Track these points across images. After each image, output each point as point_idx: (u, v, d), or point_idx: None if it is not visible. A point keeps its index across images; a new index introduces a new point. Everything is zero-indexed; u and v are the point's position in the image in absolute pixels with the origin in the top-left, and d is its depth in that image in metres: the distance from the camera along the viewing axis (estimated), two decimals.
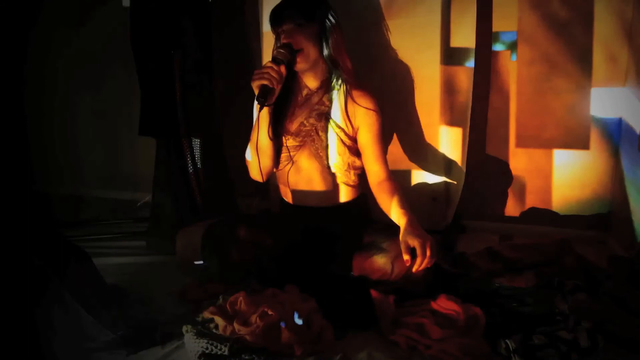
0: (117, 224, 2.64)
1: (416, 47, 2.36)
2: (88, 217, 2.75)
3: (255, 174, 1.94)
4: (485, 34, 2.35)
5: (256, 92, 1.74)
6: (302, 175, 1.93)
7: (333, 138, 1.88)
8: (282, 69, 1.76)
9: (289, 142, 1.92)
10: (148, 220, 2.40)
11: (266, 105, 1.79)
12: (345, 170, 1.91)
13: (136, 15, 2.27)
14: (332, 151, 1.89)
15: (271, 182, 2.41)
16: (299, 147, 1.91)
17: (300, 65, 1.84)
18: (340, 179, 1.92)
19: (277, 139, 1.92)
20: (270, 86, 1.74)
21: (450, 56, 2.33)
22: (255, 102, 1.82)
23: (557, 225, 2.40)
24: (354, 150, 1.92)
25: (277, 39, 1.88)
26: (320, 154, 1.89)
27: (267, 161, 1.92)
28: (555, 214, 2.41)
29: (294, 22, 1.81)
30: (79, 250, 1.59)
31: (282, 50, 1.79)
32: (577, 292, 1.64)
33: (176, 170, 2.24)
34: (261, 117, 1.84)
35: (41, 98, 2.92)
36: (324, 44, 1.85)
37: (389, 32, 2.37)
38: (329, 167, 1.90)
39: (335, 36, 1.86)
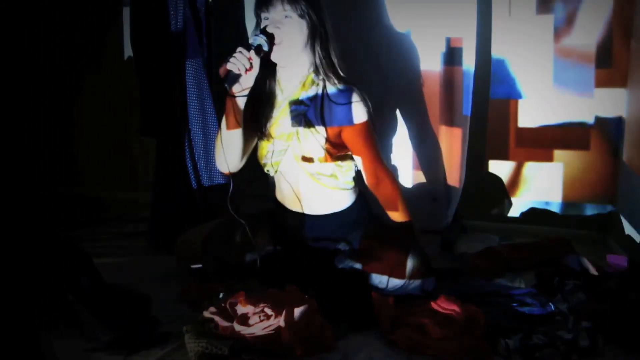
0: (117, 224, 2.64)
1: (417, 47, 2.37)
2: (88, 217, 2.75)
3: (219, 164, 1.86)
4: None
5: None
6: (290, 181, 1.82)
7: (314, 142, 1.75)
8: (253, 54, 1.63)
9: (275, 146, 1.79)
10: (148, 220, 2.40)
11: (232, 96, 1.68)
12: (331, 175, 1.79)
13: (136, 16, 2.27)
14: (315, 156, 1.76)
15: (270, 182, 2.40)
16: (284, 151, 1.79)
17: (279, 59, 1.72)
18: (329, 185, 1.80)
19: (251, 137, 1.82)
20: (236, 72, 1.62)
21: (451, 56, 2.33)
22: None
23: (557, 225, 2.40)
24: (341, 154, 1.79)
25: (257, 25, 1.76)
26: (304, 159, 1.77)
27: (231, 155, 1.79)
28: (555, 214, 2.41)
29: (283, 10, 1.68)
30: (79, 250, 1.59)
31: (257, 37, 1.67)
32: (577, 292, 1.64)
33: (176, 170, 2.24)
34: (226, 107, 1.73)
35: (40, 98, 2.93)
36: (310, 44, 1.73)
37: (388, 32, 2.37)
38: (315, 175, 1.79)
39: (324, 38, 1.74)
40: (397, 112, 2.44)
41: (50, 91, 3.03)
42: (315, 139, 1.75)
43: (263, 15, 1.72)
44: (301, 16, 1.70)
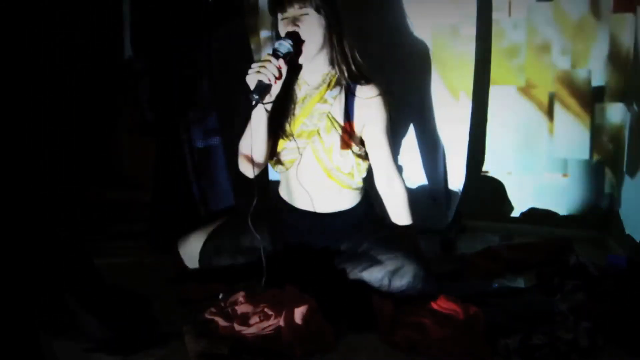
0: (117, 224, 2.64)
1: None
2: (88, 217, 2.75)
3: (245, 169, 1.83)
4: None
5: (251, 87, 1.60)
6: (305, 179, 1.80)
7: (337, 140, 1.75)
8: (282, 63, 1.62)
9: (291, 144, 1.79)
10: (148, 220, 2.40)
11: (261, 103, 1.65)
12: (349, 173, 1.78)
13: (136, 16, 2.28)
14: (336, 154, 1.75)
15: (271, 180, 2.41)
16: (302, 149, 1.77)
17: (305, 59, 1.71)
18: (344, 183, 1.79)
19: (275, 139, 1.81)
20: (267, 82, 1.60)
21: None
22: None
23: (557, 225, 2.40)
24: (360, 153, 1.79)
25: (275, 25, 1.74)
26: (324, 157, 1.76)
27: (260, 159, 1.79)
28: (555, 214, 2.41)
29: (300, 8, 1.67)
30: (79, 250, 1.59)
31: (284, 42, 1.64)
32: (577, 292, 1.64)
33: (176, 170, 2.24)
34: (256, 116, 1.71)
35: (40, 98, 2.93)
36: (329, 38, 1.72)
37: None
38: (333, 171, 1.77)
39: (341, 32, 1.73)
40: (402, 112, 2.43)
41: (51, 91, 3.03)
42: (337, 135, 1.75)
43: (280, 15, 1.71)
44: (317, 10, 1.68)
